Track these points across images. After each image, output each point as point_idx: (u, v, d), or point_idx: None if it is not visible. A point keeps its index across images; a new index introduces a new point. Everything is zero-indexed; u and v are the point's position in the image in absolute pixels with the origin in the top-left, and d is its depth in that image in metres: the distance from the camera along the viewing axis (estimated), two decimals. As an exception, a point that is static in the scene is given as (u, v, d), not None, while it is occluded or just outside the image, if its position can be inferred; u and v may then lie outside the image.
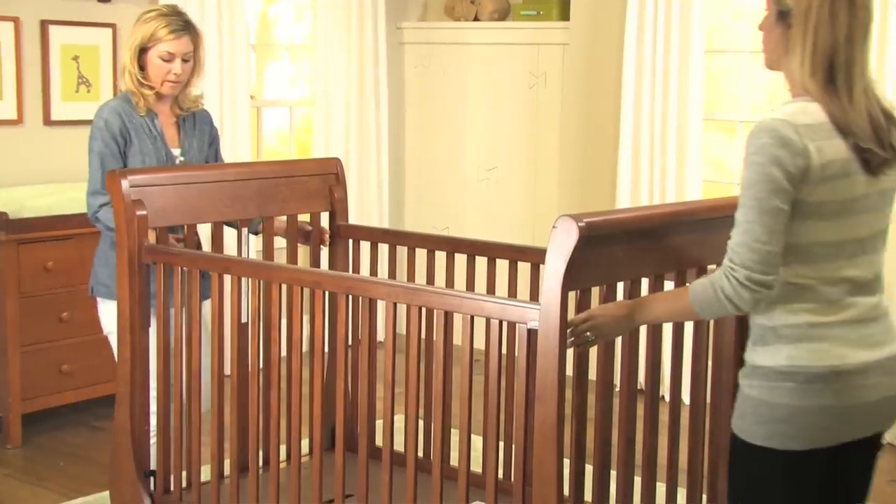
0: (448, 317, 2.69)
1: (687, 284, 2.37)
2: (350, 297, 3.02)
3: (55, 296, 4.74)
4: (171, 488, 3.35)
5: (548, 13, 6.12)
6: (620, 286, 2.70)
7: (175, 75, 3.48)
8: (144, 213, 3.22)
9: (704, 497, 3.07)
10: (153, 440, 3.41)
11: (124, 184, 3.18)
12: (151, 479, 3.36)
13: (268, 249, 3.66)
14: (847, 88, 2.21)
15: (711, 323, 2.95)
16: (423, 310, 3.00)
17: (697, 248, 2.78)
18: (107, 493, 4.04)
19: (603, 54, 5.78)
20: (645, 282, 2.76)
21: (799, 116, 2.18)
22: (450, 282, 3.52)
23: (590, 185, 5.87)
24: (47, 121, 5.15)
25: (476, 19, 6.41)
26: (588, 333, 2.42)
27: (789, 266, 2.22)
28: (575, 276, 2.44)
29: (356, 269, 3.89)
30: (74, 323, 4.78)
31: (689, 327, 2.97)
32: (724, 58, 5.78)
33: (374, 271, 3.74)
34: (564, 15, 6.02)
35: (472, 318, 2.64)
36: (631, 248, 2.63)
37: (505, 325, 2.62)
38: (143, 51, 3.48)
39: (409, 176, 6.73)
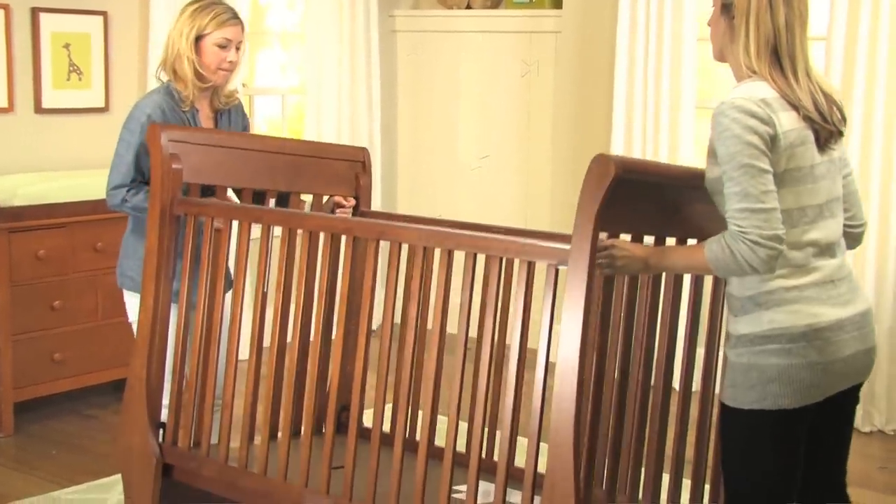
0: (476, 258, 2.74)
1: (701, 243, 2.45)
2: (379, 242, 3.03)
3: (47, 284, 4.73)
4: (179, 442, 3.35)
5: (540, 1, 6.11)
6: (647, 241, 2.73)
7: (230, 63, 3.50)
8: (180, 167, 3.27)
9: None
10: (165, 401, 3.41)
11: (163, 137, 3.24)
12: (161, 430, 3.37)
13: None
14: (791, 69, 2.40)
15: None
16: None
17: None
18: (100, 481, 4.06)
19: (595, 43, 5.78)
20: (671, 241, 2.79)
21: (754, 93, 2.37)
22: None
23: (582, 173, 5.77)
24: (38, 109, 5.13)
25: (468, 7, 6.40)
26: (602, 261, 2.49)
27: None
28: (605, 218, 2.46)
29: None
30: (66, 311, 4.77)
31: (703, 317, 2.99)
32: (717, 46, 5.78)
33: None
34: (557, 3, 6.02)
35: (501, 259, 2.71)
36: (661, 204, 2.68)
37: (535, 265, 2.65)
38: (196, 40, 3.49)
39: (401, 164, 6.73)
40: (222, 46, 3.48)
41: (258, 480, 3.13)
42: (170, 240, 3.31)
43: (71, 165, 5.20)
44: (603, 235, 2.52)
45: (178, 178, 3.28)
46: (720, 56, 2.53)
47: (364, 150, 3.89)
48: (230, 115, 3.67)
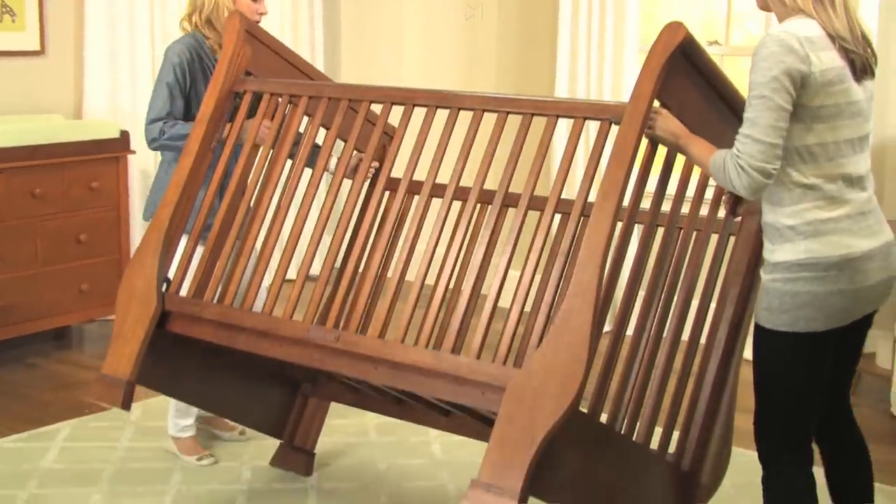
0: (532, 119, 2.87)
1: (716, 150, 2.64)
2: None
3: (-16, 231, 4.67)
4: (183, 293, 3.26)
5: (484, -57, 6.06)
6: None
7: (260, 14, 3.68)
8: (250, 51, 3.34)
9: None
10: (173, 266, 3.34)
11: (241, 25, 3.33)
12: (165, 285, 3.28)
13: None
14: (832, 4, 2.57)
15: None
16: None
17: None
18: (43, 429, 4.03)
19: (539, -15, 5.75)
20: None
21: (800, 30, 2.51)
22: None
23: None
24: (-29, 51, 5.02)
25: (412, -50, 6.33)
26: (649, 121, 2.69)
27: (797, 168, 2.54)
28: (661, 87, 2.62)
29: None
30: (4, 259, 4.70)
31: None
32: (660, -11, 5.78)
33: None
34: (501, -55, 5.98)
35: (556, 117, 2.81)
36: (703, 108, 2.82)
37: (586, 123, 2.81)
38: None
39: (345, 109, 6.66)
40: None
41: (262, 319, 3.03)
42: (222, 112, 3.29)
43: (5, 110, 5.10)
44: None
45: (245, 61, 3.34)
46: (764, 5, 2.66)
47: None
48: None
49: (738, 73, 5.53)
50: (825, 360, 2.65)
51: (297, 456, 3.69)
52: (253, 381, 3.58)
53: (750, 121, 2.49)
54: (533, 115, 2.87)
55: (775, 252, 2.60)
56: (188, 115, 3.59)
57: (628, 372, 2.86)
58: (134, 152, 5.12)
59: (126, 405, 3.05)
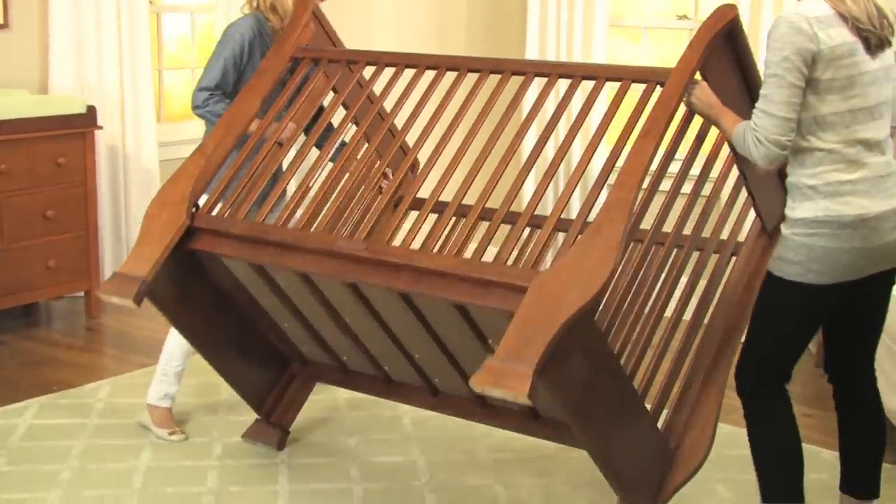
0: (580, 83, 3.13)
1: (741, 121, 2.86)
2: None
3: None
4: (214, 212, 3.35)
5: (453, -83, 6.02)
6: None
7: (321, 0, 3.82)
8: (311, 32, 3.58)
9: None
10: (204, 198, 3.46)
11: (312, 5, 3.62)
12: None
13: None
14: None
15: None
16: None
17: None
18: (10, 406, 4.01)
19: (509, -40, 5.73)
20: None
21: (810, 11, 2.74)
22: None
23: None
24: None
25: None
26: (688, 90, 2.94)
27: (816, 135, 2.76)
28: (704, 60, 2.86)
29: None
30: (-29, 235, 4.66)
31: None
32: (630, -36, 5.78)
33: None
34: (470, -82, 5.94)
35: (604, 80, 3.08)
36: (739, 91, 3.03)
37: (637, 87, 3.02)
38: None
39: (314, 84, 6.62)
40: None
41: (290, 232, 3.13)
42: (277, 77, 3.48)
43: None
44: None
45: (308, 35, 3.58)
46: None
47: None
48: None
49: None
50: (822, 315, 2.87)
51: (272, 430, 3.69)
52: (248, 349, 3.61)
53: (765, 97, 2.72)
54: (583, 78, 3.13)
55: (796, 209, 2.80)
56: (236, 90, 3.69)
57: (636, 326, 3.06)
58: (101, 128, 5.07)
59: (138, 300, 3.10)
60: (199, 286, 3.39)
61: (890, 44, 2.83)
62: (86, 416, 3.93)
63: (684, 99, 2.90)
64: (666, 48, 5.70)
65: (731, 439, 3.72)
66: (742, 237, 3.52)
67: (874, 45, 2.78)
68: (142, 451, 3.65)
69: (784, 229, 2.84)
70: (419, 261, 2.84)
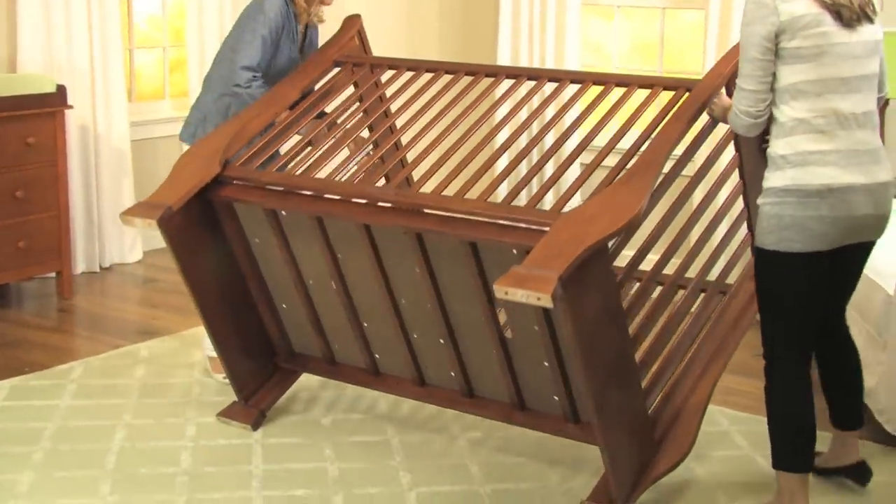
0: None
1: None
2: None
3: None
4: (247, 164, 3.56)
5: None
6: None
7: None
8: (355, 45, 3.97)
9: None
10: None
11: (358, 26, 4.02)
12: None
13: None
14: None
15: None
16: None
17: None
18: (-18, 388, 3.99)
19: (482, -62, 5.71)
20: None
21: None
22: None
23: (470, 71, 5.84)
24: None
25: None
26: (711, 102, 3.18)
27: (788, 104, 2.85)
28: (731, 74, 3.15)
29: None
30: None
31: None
32: (603, -57, 5.76)
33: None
34: None
35: (636, 87, 3.44)
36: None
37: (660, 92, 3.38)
38: None
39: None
40: None
41: (320, 181, 3.31)
42: (320, 75, 3.82)
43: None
44: None
45: (350, 48, 3.97)
46: None
47: None
48: (313, 31, 4.11)
49: (680, 26, 5.57)
50: (810, 280, 2.91)
51: (249, 411, 3.70)
52: (244, 330, 3.66)
53: (739, 73, 2.88)
54: (616, 85, 3.46)
55: (768, 179, 2.89)
56: (267, 69, 3.82)
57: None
58: (71, 107, 5.02)
59: (162, 223, 3.22)
60: (213, 243, 3.52)
61: (870, 19, 2.88)
62: (58, 398, 3.91)
63: (706, 110, 3.16)
64: (637, 26, 5.70)
65: (707, 418, 3.74)
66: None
67: (848, 17, 2.83)
68: (115, 432, 3.64)
69: (759, 200, 2.93)
70: (450, 204, 3.05)
